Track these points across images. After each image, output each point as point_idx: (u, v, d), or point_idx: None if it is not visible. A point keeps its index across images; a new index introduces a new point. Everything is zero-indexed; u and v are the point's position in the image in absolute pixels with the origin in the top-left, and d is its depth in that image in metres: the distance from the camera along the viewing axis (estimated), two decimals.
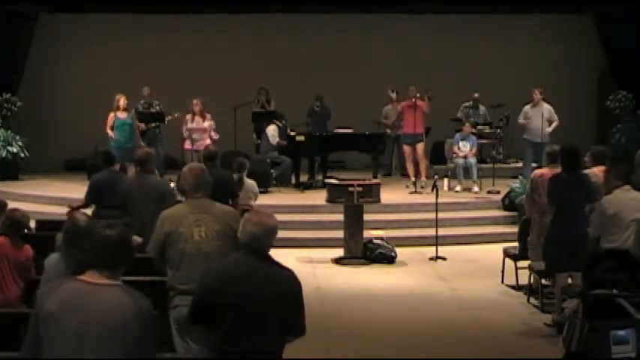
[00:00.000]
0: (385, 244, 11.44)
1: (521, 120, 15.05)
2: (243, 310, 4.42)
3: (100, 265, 3.78)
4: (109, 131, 14.04)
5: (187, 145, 14.76)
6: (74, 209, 8.46)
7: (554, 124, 14.69)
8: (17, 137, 16.17)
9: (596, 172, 8.61)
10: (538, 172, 9.48)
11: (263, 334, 4.44)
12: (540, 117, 14.62)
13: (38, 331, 3.70)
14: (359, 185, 11.28)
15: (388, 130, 16.23)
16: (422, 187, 14.40)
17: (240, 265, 4.59)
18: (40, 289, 4.01)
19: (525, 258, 9.43)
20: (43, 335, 3.68)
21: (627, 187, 7.56)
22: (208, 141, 14.53)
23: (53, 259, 6.04)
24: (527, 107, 14.96)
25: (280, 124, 15.49)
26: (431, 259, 11.45)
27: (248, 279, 4.48)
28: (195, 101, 14.77)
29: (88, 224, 5.88)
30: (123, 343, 3.65)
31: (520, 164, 15.90)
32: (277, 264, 4.62)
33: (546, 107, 14.81)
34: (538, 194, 8.89)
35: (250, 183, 10.84)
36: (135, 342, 3.67)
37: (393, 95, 16.02)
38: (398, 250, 11.45)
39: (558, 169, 8.49)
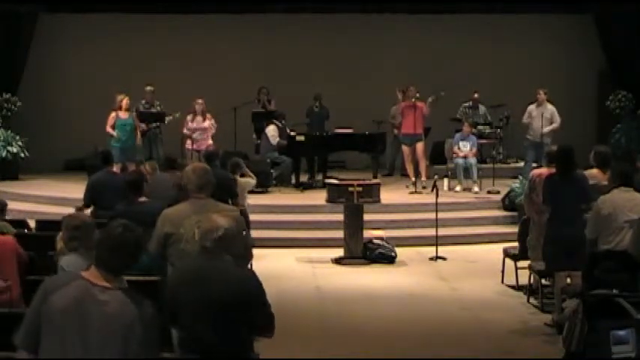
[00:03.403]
0: (385, 244, 11.43)
1: (525, 119, 15.05)
2: (198, 310, 4.38)
3: (106, 265, 3.77)
4: (109, 130, 14.03)
5: (188, 144, 14.76)
6: (79, 209, 8.51)
7: (553, 125, 14.69)
8: (17, 137, 16.17)
9: (595, 173, 8.59)
10: (536, 171, 9.47)
11: (220, 334, 4.37)
12: (541, 117, 14.62)
13: (39, 325, 3.68)
14: (359, 185, 11.28)
15: (395, 130, 16.07)
16: (422, 188, 14.38)
17: (196, 265, 4.60)
18: (49, 279, 3.94)
19: (525, 258, 9.41)
20: (44, 331, 3.67)
21: (626, 187, 7.51)
22: (210, 141, 14.54)
23: (70, 259, 5.82)
24: (532, 107, 14.95)
25: (280, 124, 15.48)
26: (431, 259, 11.45)
27: (202, 279, 4.45)
28: (199, 101, 14.78)
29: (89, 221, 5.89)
30: (125, 348, 3.65)
31: (520, 164, 15.91)
32: (232, 265, 4.56)
33: (549, 108, 14.81)
34: (536, 194, 8.87)
35: (245, 182, 10.78)
36: (137, 347, 3.67)
37: (400, 95, 15.85)
38: (398, 250, 11.44)
39: None
